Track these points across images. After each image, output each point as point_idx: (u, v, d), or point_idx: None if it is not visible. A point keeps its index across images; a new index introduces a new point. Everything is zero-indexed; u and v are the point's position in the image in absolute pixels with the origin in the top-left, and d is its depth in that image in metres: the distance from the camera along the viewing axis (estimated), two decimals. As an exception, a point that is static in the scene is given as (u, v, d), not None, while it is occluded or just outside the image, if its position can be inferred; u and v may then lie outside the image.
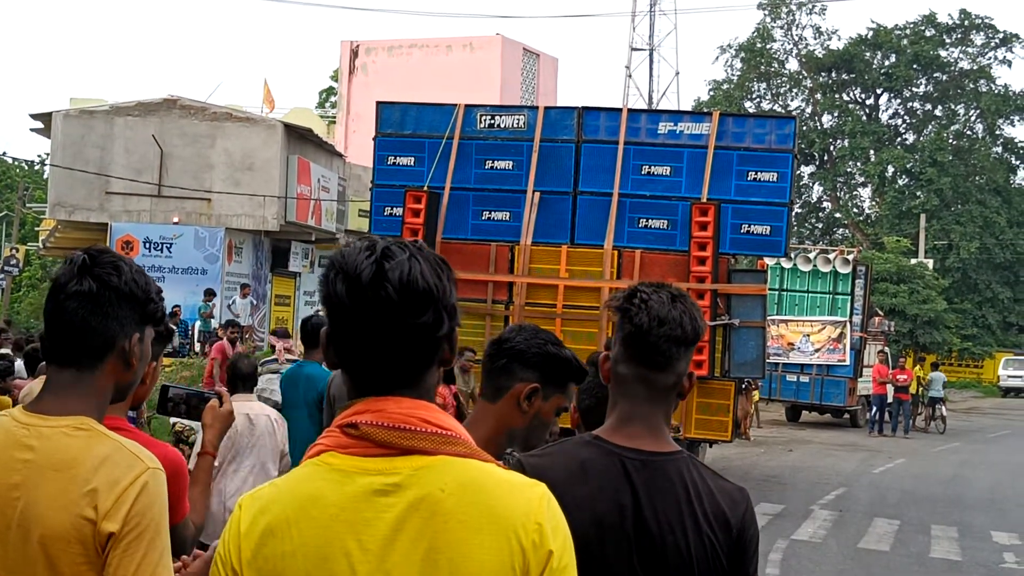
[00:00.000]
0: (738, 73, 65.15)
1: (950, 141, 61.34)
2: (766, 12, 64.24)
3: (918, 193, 59.42)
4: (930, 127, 63.27)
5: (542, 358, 3.27)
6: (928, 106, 64.41)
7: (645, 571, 2.77)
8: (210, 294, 30.13)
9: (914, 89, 63.94)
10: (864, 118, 63.51)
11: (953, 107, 63.31)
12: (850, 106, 64.42)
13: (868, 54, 63.05)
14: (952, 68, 62.76)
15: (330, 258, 2.13)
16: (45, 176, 52.92)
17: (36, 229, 53.04)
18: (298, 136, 34.83)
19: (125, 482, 2.49)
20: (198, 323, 29.69)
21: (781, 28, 64.70)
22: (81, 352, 2.64)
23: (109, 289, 2.64)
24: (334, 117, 59.64)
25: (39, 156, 66.77)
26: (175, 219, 32.76)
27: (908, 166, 60.54)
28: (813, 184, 65.93)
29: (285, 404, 9.63)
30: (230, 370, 8.04)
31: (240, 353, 10.09)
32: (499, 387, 3.26)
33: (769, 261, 27.20)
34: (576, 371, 3.34)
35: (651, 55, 59.90)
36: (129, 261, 2.73)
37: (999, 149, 62.69)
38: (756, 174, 15.66)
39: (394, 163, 16.83)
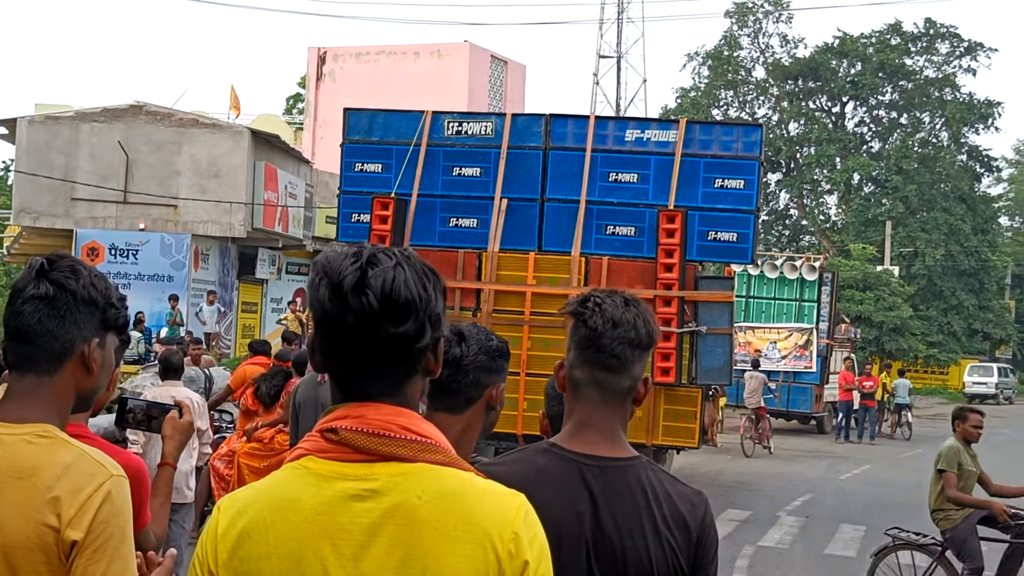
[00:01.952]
0: (705, 81, 65.36)
1: (915, 149, 61.73)
2: (733, 20, 64.49)
3: (884, 200, 59.78)
4: (895, 135, 63.65)
5: (500, 358, 3.30)
6: (894, 114, 64.78)
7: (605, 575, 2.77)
8: (174, 299, 30.03)
9: (880, 97, 64.29)
10: (830, 126, 63.84)
11: (918, 115, 63.69)
12: (816, 114, 64.75)
13: (834, 62, 63.37)
14: (917, 76, 63.13)
15: (318, 261, 2.12)
16: (9, 182, 52.53)
17: (0, 236, 52.69)
18: (265, 142, 34.72)
19: (89, 489, 2.47)
20: (164, 330, 29.54)
21: (748, 36, 64.99)
22: (39, 357, 2.61)
23: (67, 292, 2.62)
24: (301, 124, 59.46)
25: (3, 162, 66.29)
26: (141, 225, 32.58)
27: (874, 174, 60.87)
28: (780, 191, 66.20)
29: None
30: (163, 363, 9.51)
31: (171, 349, 10.90)
32: (468, 399, 3.26)
33: (736, 268, 27.25)
34: (508, 349, 3.42)
35: (619, 62, 60.07)
36: (88, 266, 2.71)
37: (964, 157, 63.09)
38: (723, 181, 15.71)
39: (361, 170, 16.81)
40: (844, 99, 64.99)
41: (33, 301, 2.61)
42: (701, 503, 2.89)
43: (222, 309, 33.84)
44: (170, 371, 9.43)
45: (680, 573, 2.81)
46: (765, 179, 60.09)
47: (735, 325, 19.66)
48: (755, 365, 28.65)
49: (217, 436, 14.09)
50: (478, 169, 16.37)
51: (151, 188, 32.58)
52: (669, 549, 2.79)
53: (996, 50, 68.30)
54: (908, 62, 62.89)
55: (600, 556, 2.77)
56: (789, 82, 64.61)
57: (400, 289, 2.04)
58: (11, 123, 34.37)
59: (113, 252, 32.20)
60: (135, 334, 26.17)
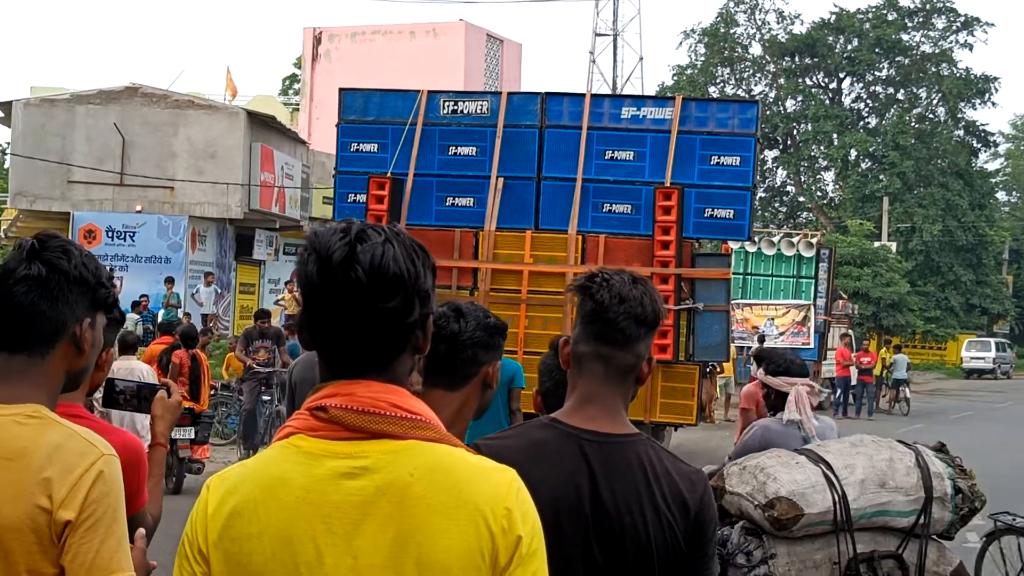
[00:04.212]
0: (702, 58, 65.22)
1: (912, 124, 61.64)
2: (729, -4, 64.36)
3: (881, 176, 59.71)
4: (892, 111, 63.54)
5: (497, 335, 3.31)
6: (890, 90, 64.68)
7: (603, 553, 2.77)
8: (170, 281, 30.03)
9: (876, 73, 64.20)
10: (827, 102, 63.73)
11: (915, 90, 63.60)
12: (813, 90, 64.63)
13: (831, 38, 63.25)
14: (914, 52, 63.04)
15: (307, 237, 2.11)
16: (6, 165, 52.47)
17: (-3, 219, 52.65)
18: (261, 123, 34.66)
19: (79, 470, 2.47)
20: (161, 312, 29.55)
21: (744, 13, 64.83)
22: (31, 338, 2.62)
23: (59, 273, 2.62)
24: (297, 104, 59.40)
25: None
26: (138, 208, 32.55)
27: (871, 150, 60.82)
28: (777, 168, 66.16)
29: None
30: (120, 340, 10.80)
31: (127, 329, 12.56)
32: (464, 375, 3.27)
33: (733, 245, 27.24)
34: (506, 328, 3.45)
35: (615, 40, 59.97)
36: (79, 246, 2.71)
37: (960, 132, 63.03)
38: (719, 158, 15.68)
39: (357, 150, 16.78)
40: (841, 75, 64.90)
41: (25, 282, 2.61)
42: (700, 482, 2.89)
43: (219, 290, 33.83)
44: (126, 347, 11.36)
45: (678, 551, 2.80)
46: (762, 156, 60.06)
47: (732, 302, 19.66)
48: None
49: None
50: (474, 148, 16.35)
51: (147, 170, 32.55)
52: (667, 526, 2.79)
53: (993, 25, 68.41)
54: (905, 37, 62.78)
55: (599, 531, 2.77)
56: (786, 59, 64.49)
57: (388, 264, 2.03)
58: (7, 106, 34.32)
59: (110, 234, 32.16)
60: (133, 316, 26.18)
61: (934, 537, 5.67)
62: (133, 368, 10.98)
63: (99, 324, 2.73)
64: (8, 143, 41.81)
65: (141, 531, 2.88)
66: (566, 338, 2.99)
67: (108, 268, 2.82)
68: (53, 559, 2.47)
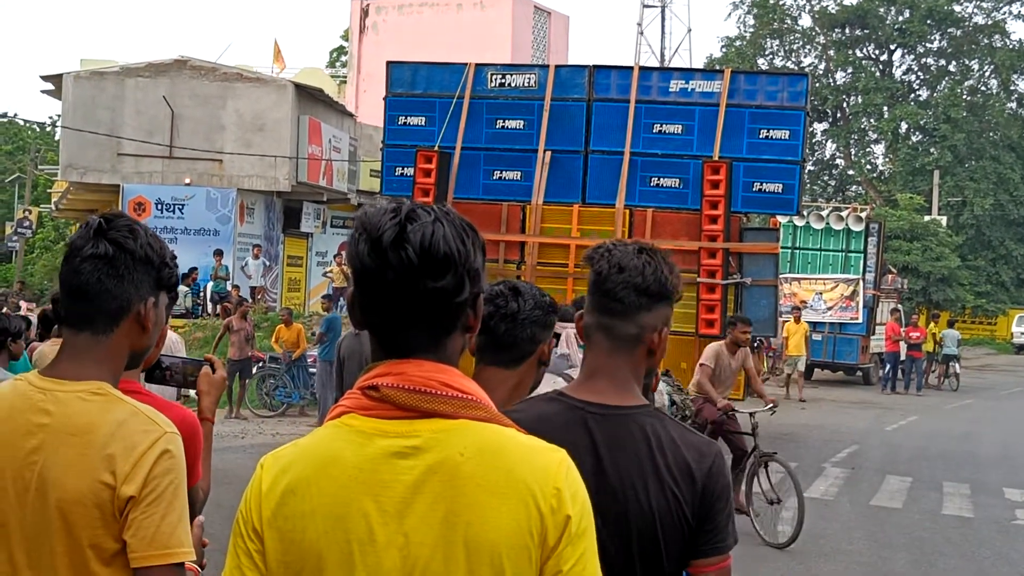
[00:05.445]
0: (751, 30, 64.74)
1: (964, 97, 60.94)
2: (779, -33, 63.77)
3: (931, 149, 59.14)
4: (944, 83, 62.85)
5: (552, 314, 3.34)
6: (942, 62, 63.96)
7: (607, 525, 2.71)
8: (218, 254, 30.25)
9: (928, 44, 63.49)
10: (877, 74, 63.11)
11: (967, 62, 62.86)
12: (863, 62, 64.00)
13: (882, 9, 62.56)
14: (966, 23, 62.27)
15: (357, 217, 2.12)
16: (57, 138, 52.92)
17: (48, 191, 53.17)
18: (309, 96, 34.76)
19: (143, 447, 2.51)
20: (210, 284, 29.79)
21: (794, -17, 64.27)
22: (96, 316, 2.65)
23: (125, 252, 2.65)
24: (345, 77, 59.48)
25: (50, 118, 66.89)
26: (187, 180, 32.77)
27: (922, 122, 60.22)
28: (826, 141, 65.63)
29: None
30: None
31: None
32: (523, 354, 3.29)
33: (781, 219, 27.14)
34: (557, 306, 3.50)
35: (663, 12, 59.65)
36: (144, 225, 2.74)
37: (1013, 105, 62.28)
38: (768, 132, 15.61)
39: (405, 123, 16.82)
40: (892, 47, 64.22)
41: (92, 260, 2.64)
42: (711, 453, 2.83)
43: (267, 263, 34.04)
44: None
45: (684, 524, 2.77)
46: (811, 129, 59.61)
47: (781, 276, 19.58)
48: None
49: None
50: (521, 121, 16.34)
51: (196, 143, 32.74)
52: (672, 498, 2.75)
53: (1047, -5, 67.24)
54: (957, 8, 62.02)
55: (602, 503, 2.71)
56: (836, 30, 63.89)
57: (439, 243, 2.04)
58: (57, 79, 34.60)
59: (160, 207, 32.42)
60: (183, 288, 26.40)
61: None
62: (169, 337, 11.60)
63: (161, 303, 2.77)
64: (59, 116, 42.16)
65: (200, 518, 2.92)
66: (580, 312, 2.99)
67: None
68: (115, 534, 2.51)
